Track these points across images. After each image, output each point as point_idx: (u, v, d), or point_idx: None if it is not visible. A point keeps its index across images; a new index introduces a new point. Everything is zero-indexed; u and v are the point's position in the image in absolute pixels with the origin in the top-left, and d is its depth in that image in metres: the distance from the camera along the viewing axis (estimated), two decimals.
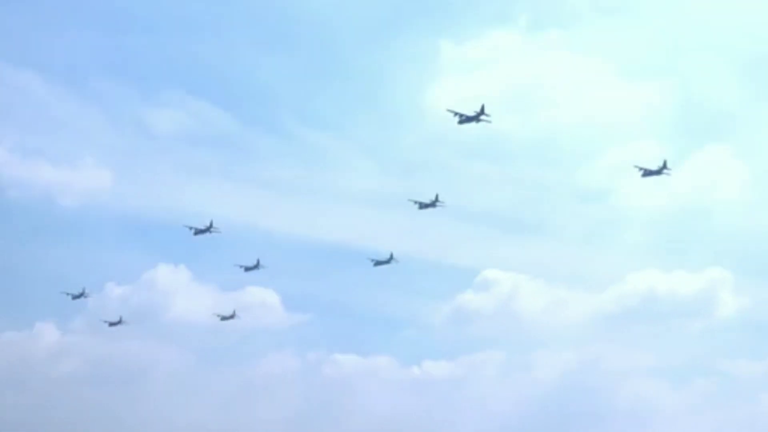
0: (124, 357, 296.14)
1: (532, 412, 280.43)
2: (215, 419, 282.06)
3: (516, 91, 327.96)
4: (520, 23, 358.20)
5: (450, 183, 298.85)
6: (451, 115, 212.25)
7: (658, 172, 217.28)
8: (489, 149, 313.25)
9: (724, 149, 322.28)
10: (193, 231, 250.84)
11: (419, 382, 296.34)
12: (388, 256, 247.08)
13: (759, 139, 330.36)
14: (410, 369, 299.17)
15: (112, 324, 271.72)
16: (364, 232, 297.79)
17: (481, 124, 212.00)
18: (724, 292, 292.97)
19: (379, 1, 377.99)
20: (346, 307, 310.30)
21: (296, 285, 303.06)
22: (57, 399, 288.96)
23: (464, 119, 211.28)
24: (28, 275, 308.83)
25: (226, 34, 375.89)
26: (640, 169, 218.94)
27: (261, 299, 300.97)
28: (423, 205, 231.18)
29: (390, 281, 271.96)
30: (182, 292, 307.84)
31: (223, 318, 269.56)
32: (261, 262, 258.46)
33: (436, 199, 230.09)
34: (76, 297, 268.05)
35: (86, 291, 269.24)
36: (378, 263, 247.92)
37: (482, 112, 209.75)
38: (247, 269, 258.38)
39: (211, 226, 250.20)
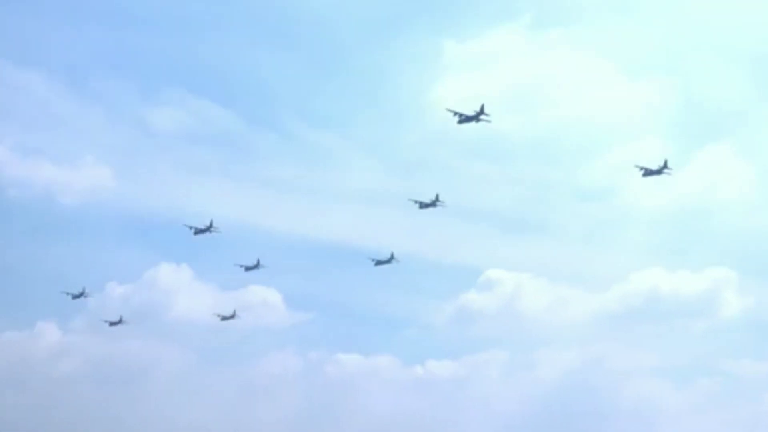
0: (126, 356, 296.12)
1: (536, 412, 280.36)
2: (217, 419, 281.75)
3: (518, 90, 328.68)
4: (524, 21, 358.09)
5: (452, 182, 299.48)
6: (451, 114, 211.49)
7: (659, 171, 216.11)
8: (492, 148, 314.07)
9: (727, 148, 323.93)
10: (193, 231, 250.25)
11: (422, 381, 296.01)
12: (388, 256, 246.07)
13: (762, 138, 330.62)
14: (413, 369, 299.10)
15: (112, 324, 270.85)
16: (366, 231, 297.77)
17: (481, 123, 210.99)
18: (728, 292, 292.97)
19: None
20: (348, 307, 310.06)
21: (298, 284, 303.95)
22: (58, 399, 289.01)
23: (463, 119, 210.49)
24: (29, 274, 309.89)
25: (227, 32, 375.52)
26: (641, 168, 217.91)
27: (263, 298, 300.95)
28: (423, 205, 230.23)
29: (393, 280, 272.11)
30: (184, 291, 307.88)
31: (223, 318, 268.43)
32: (261, 262, 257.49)
33: (437, 199, 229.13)
34: (76, 297, 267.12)
35: (86, 291, 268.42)
36: (379, 263, 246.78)
37: (482, 111, 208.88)
38: (248, 269, 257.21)
39: (211, 225, 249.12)
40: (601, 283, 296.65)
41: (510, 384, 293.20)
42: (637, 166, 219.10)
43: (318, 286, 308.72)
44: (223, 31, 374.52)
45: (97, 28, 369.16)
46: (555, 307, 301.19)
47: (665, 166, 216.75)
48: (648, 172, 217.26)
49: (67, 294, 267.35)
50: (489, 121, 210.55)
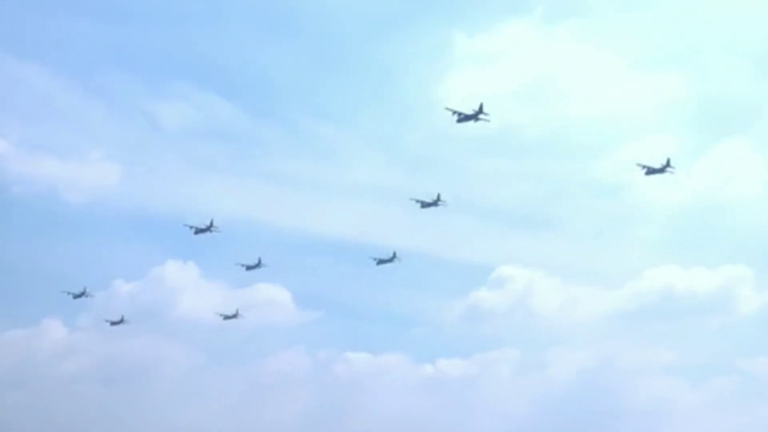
0: (131, 355, 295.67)
1: (548, 411, 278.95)
2: (224, 418, 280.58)
3: (529, 85, 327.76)
4: (535, 14, 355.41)
5: (462, 178, 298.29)
6: (450, 113, 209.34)
7: (662, 170, 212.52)
8: (502, 144, 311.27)
9: (742, 143, 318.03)
10: (193, 230, 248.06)
11: (432, 380, 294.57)
12: (390, 255, 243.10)
13: None
14: (423, 367, 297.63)
15: (113, 323, 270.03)
16: (373, 227, 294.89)
17: (491, 119, 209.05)
18: (744, 289, 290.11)
19: None
20: (357, 305, 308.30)
21: (307, 282, 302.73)
22: (62, 397, 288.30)
23: (462, 118, 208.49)
24: (35, 272, 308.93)
25: (232, 25, 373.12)
26: (643, 167, 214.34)
27: (271, 296, 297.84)
28: (425, 204, 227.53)
29: (402, 278, 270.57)
30: (191, 289, 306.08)
31: (226, 317, 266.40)
32: (264, 261, 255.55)
33: (438, 198, 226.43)
34: (77, 296, 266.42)
35: (87, 290, 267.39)
36: (381, 262, 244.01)
37: (480, 110, 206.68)
38: (249, 268, 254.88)
39: (211, 225, 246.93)
40: (615, 280, 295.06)
41: (521, 383, 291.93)
42: (639, 165, 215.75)
43: (327, 284, 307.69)
44: (228, 24, 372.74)
45: (102, 22, 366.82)
46: (567, 304, 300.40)
47: (668, 164, 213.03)
48: (650, 171, 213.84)
49: (68, 294, 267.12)
50: (488, 121, 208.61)
